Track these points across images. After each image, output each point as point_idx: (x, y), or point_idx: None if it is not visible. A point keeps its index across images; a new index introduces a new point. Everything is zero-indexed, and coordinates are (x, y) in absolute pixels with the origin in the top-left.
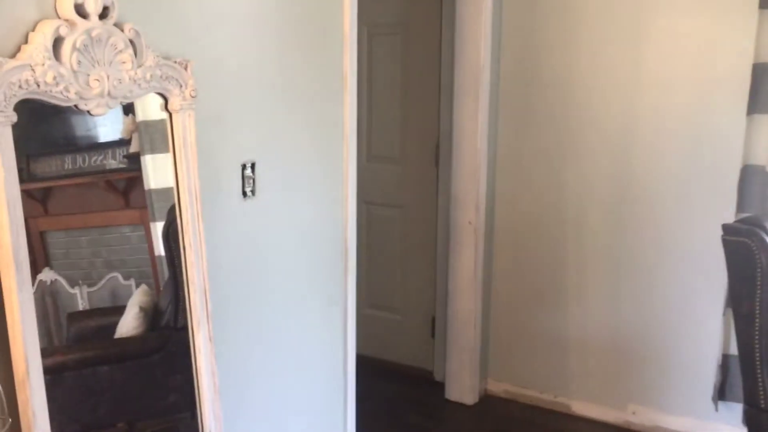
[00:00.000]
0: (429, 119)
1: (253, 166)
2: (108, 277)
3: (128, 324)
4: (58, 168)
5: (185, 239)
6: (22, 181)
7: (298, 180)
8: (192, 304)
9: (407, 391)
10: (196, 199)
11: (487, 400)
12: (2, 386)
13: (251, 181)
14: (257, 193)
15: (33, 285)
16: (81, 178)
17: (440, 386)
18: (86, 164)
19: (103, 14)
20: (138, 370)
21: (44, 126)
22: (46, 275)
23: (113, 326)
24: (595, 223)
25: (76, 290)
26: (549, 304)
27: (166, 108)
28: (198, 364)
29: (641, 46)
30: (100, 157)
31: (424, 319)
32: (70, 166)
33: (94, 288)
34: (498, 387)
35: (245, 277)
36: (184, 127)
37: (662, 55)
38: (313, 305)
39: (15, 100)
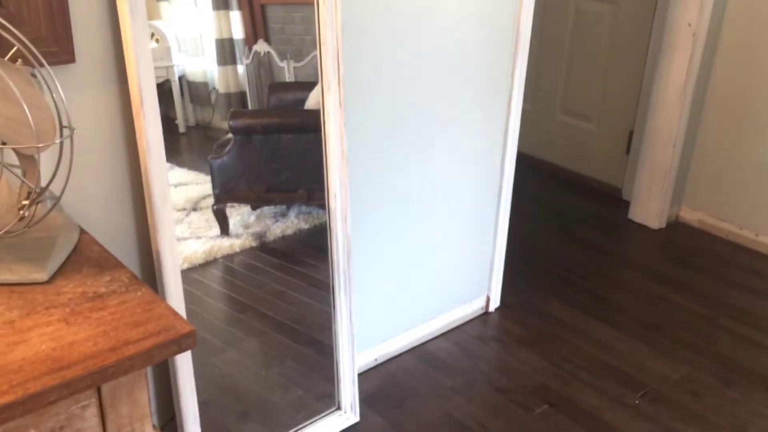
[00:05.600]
0: None
1: None
2: (313, 54)
3: (314, 98)
4: None
5: None
6: None
7: None
8: (323, 66)
9: (590, 206)
10: None
11: (676, 226)
12: (123, 122)
13: None
14: None
15: (249, 56)
16: None
17: (626, 205)
18: None
19: None
20: (318, 143)
21: None
22: (261, 47)
23: (305, 100)
24: None
25: (284, 64)
26: None
27: None
28: (326, 129)
29: None
30: None
31: (621, 132)
32: None
33: (300, 63)
34: (691, 215)
35: (391, 43)
36: None
37: None
38: (472, 91)
39: None
